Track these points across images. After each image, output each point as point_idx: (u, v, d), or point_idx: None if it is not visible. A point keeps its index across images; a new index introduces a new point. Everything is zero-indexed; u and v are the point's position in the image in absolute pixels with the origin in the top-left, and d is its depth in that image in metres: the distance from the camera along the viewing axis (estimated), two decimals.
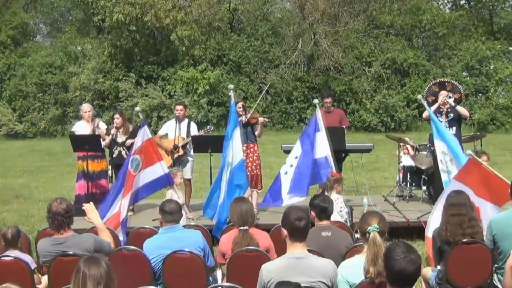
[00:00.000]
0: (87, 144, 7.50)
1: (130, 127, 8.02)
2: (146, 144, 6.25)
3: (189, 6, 24.74)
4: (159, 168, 6.32)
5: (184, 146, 7.83)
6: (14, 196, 10.79)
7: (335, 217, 5.51)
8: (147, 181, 6.22)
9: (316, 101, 7.32)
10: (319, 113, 7.03)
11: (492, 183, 4.86)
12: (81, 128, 7.98)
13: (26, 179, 13.09)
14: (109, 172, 7.85)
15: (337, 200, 6.07)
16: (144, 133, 6.29)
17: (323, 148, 6.83)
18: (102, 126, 8.17)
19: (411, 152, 8.58)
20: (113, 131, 7.76)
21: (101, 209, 5.84)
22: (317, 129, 6.88)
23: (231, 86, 7.01)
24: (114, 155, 7.78)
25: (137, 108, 7.17)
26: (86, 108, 8.15)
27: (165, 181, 6.40)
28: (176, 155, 7.76)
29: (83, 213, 4.47)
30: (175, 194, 6.59)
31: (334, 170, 6.65)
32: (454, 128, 7.54)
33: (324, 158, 6.79)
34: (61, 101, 25.14)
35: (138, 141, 6.32)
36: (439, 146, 6.29)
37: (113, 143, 7.77)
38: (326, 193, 6.19)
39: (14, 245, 4.44)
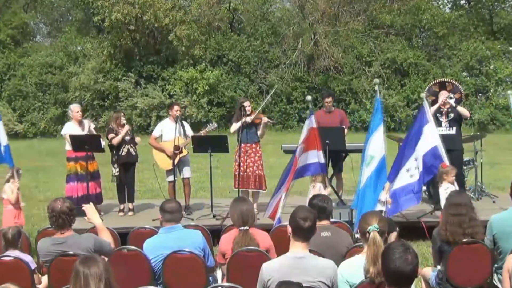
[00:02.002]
0: (87, 144, 7.47)
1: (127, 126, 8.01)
2: (310, 132, 6.33)
3: (188, 5, 24.74)
4: (316, 156, 6.31)
5: (185, 147, 7.81)
6: None
7: None
8: (301, 164, 6.25)
9: (309, 97, 7.20)
10: (427, 105, 6.71)
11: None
12: (73, 129, 7.77)
13: (26, 179, 13.05)
14: (114, 171, 7.81)
15: (447, 190, 5.94)
16: (310, 123, 6.37)
17: (431, 140, 6.51)
18: (91, 126, 8.10)
19: None
20: (126, 127, 7.77)
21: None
22: (426, 121, 6.58)
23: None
24: (123, 154, 7.71)
25: (309, 97, 6.96)
26: (77, 108, 8.03)
27: (318, 169, 6.33)
28: (179, 156, 7.71)
29: (81, 214, 4.47)
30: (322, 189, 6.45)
31: (444, 161, 6.40)
32: (454, 128, 7.55)
33: (432, 148, 6.47)
34: (61, 101, 25.14)
35: (305, 131, 6.39)
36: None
37: (121, 142, 7.74)
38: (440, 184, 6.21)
39: (14, 245, 4.45)
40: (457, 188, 6.28)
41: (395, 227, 5.80)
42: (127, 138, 7.76)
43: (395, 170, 6.51)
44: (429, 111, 6.68)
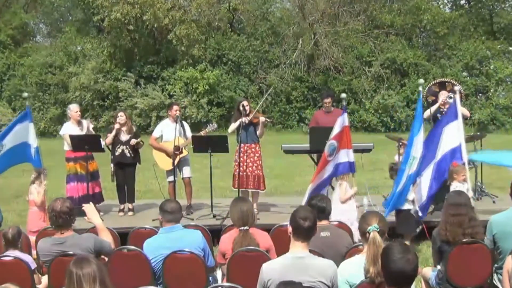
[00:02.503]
0: (87, 144, 7.46)
1: (133, 127, 8.01)
2: (344, 130, 6.30)
3: (188, 5, 24.73)
4: (346, 155, 6.28)
5: (185, 147, 7.81)
6: (14, 196, 10.78)
7: None
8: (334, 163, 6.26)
9: (343, 95, 7.19)
10: (458, 101, 6.53)
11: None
12: (72, 129, 7.77)
13: (26, 179, 13.03)
14: (112, 170, 7.82)
15: (456, 189, 5.90)
16: (343, 120, 6.33)
17: (452, 139, 6.35)
18: (90, 127, 8.08)
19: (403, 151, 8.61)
20: (116, 126, 7.75)
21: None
22: (455, 117, 6.41)
23: (421, 81, 6.66)
24: (117, 153, 7.73)
25: (343, 95, 6.96)
26: (76, 108, 8.01)
27: (347, 168, 6.30)
28: (179, 157, 7.71)
29: (81, 214, 4.47)
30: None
31: (461, 160, 6.27)
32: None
33: (450, 151, 6.32)
34: (61, 101, 25.15)
35: (337, 127, 6.33)
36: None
37: (117, 141, 7.74)
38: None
39: (14, 245, 4.45)
40: (469, 187, 6.25)
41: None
42: (124, 139, 7.74)
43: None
44: (459, 107, 6.50)
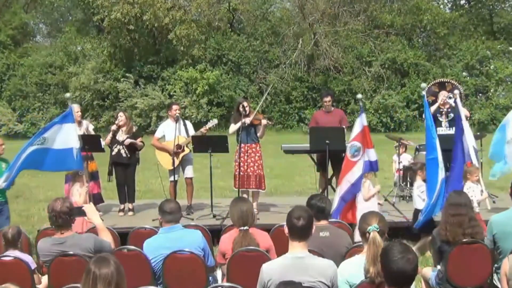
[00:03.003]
0: (87, 144, 7.46)
1: (134, 127, 8.02)
2: (365, 130, 6.37)
3: (188, 5, 24.74)
4: (367, 154, 6.33)
5: (187, 145, 7.82)
6: (14, 196, 10.78)
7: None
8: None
9: (359, 95, 7.25)
10: (459, 102, 6.67)
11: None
12: None
13: (26, 179, 13.08)
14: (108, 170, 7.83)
15: (469, 189, 5.97)
16: (362, 120, 6.41)
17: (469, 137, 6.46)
18: (90, 128, 8.09)
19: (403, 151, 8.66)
20: (113, 127, 7.76)
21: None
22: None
23: (423, 85, 6.67)
24: (113, 153, 7.75)
25: (359, 96, 6.99)
26: (76, 108, 7.98)
27: (368, 167, 6.34)
28: (181, 154, 7.72)
29: (80, 214, 4.46)
30: None
31: (470, 160, 6.32)
32: (454, 128, 7.55)
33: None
34: (61, 101, 25.15)
35: (357, 128, 6.41)
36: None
37: (114, 141, 7.76)
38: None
39: (14, 245, 4.44)
40: (482, 187, 6.26)
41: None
42: (121, 139, 7.75)
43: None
44: (461, 108, 6.58)
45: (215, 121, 8.18)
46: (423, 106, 6.46)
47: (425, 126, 6.24)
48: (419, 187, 6.36)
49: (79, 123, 7.88)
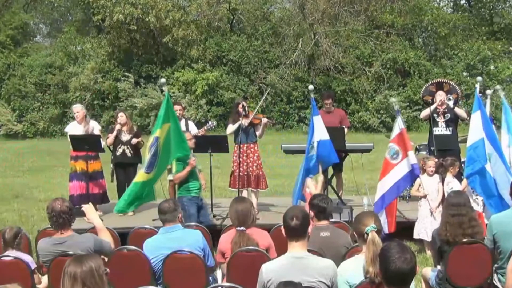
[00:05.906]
0: (87, 144, 7.47)
1: (134, 127, 8.03)
2: (402, 132, 6.27)
3: (188, 5, 24.74)
4: (407, 164, 6.19)
5: None
6: (14, 196, 10.79)
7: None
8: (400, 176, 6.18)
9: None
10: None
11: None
12: (74, 129, 7.81)
13: (26, 179, 13.09)
14: (111, 171, 7.84)
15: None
16: (399, 123, 6.32)
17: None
18: (97, 128, 8.08)
19: None
20: (117, 127, 7.77)
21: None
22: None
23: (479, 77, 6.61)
24: (118, 153, 7.75)
25: (393, 99, 6.89)
26: (77, 108, 8.02)
27: (410, 179, 6.23)
28: None
29: (80, 214, 4.46)
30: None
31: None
32: (451, 128, 7.61)
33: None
34: (61, 101, 25.16)
35: (396, 130, 6.32)
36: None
37: (117, 141, 7.76)
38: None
39: (14, 245, 4.44)
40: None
41: None
42: (124, 139, 7.75)
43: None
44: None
45: (213, 123, 8.21)
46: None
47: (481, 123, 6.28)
48: (448, 184, 6.34)
49: (84, 123, 7.86)
